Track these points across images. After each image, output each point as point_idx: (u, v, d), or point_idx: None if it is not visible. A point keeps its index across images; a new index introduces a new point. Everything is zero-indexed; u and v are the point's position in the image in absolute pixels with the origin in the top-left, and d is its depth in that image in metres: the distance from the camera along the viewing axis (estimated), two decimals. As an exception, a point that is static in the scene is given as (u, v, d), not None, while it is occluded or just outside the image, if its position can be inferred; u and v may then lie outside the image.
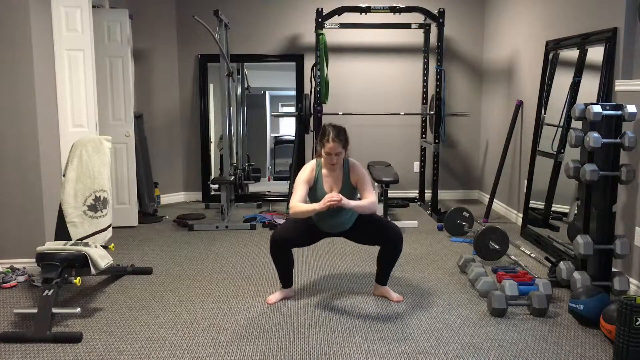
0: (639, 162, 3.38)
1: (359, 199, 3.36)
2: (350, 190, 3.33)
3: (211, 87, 6.48)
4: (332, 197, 3.09)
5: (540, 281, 3.36)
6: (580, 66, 4.19)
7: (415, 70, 6.37)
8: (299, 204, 3.19)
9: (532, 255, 4.30)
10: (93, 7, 4.56)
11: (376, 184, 5.15)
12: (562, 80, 4.51)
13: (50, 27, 4.00)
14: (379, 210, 5.11)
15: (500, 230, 4.12)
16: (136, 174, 5.32)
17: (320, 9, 5.43)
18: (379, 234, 3.36)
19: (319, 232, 3.42)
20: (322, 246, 4.56)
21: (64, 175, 3.62)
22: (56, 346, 2.83)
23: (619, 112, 3.25)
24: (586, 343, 2.87)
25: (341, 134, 3.23)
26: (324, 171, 3.33)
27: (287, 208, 5.75)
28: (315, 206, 3.13)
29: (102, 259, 3.24)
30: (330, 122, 3.36)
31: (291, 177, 5.91)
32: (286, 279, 3.46)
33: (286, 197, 6.10)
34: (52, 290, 3.04)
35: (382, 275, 3.47)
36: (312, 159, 3.45)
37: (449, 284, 3.73)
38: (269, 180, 7.74)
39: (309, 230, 3.38)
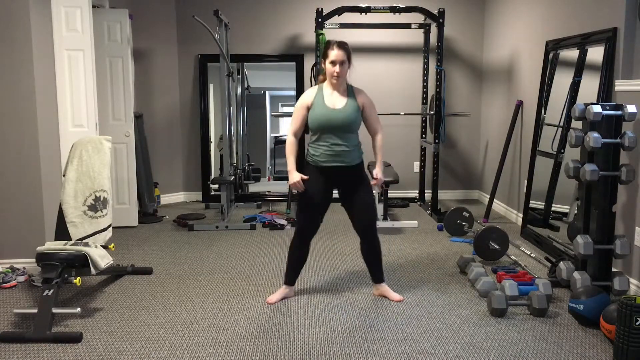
0: (639, 162, 3.38)
1: (374, 147, 3.57)
2: (355, 109, 3.30)
3: (211, 87, 6.48)
4: (297, 185, 3.24)
5: (540, 281, 3.36)
6: (580, 66, 4.19)
7: (415, 70, 6.37)
8: (290, 145, 3.32)
9: (532, 255, 4.30)
10: (93, 7, 4.56)
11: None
12: (562, 80, 4.51)
13: (50, 27, 4.00)
14: (379, 210, 5.12)
15: (500, 230, 4.12)
16: (136, 174, 5.32)
17: (320, 9, 5.43)
18: (359, 208, 3.36)
19: (326, 184, 3.34)
20: (322, 246, 4.57)
21: (64, 175, 3.62)
22: (56, 346, 2.83)
23: (619, 112, 3.25)
24: (586, 343, 2.87)
25: (345, 45, 3.25)
26: (326, 91, 3.30)
27: (288, 209, 5.77)
28: (291, 169, 3.28)
29: (102, 259, 3.24)
30: None
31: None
32: (292, 276, 3.47)
33: (286, 197, 6.10)
34: (52, 290, 3.04)
35: (374, 271, 3.49)
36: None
37: (449, 284, 3.73)
38: (269, 180, 7.73)
39: (319, 192, 3.32)
